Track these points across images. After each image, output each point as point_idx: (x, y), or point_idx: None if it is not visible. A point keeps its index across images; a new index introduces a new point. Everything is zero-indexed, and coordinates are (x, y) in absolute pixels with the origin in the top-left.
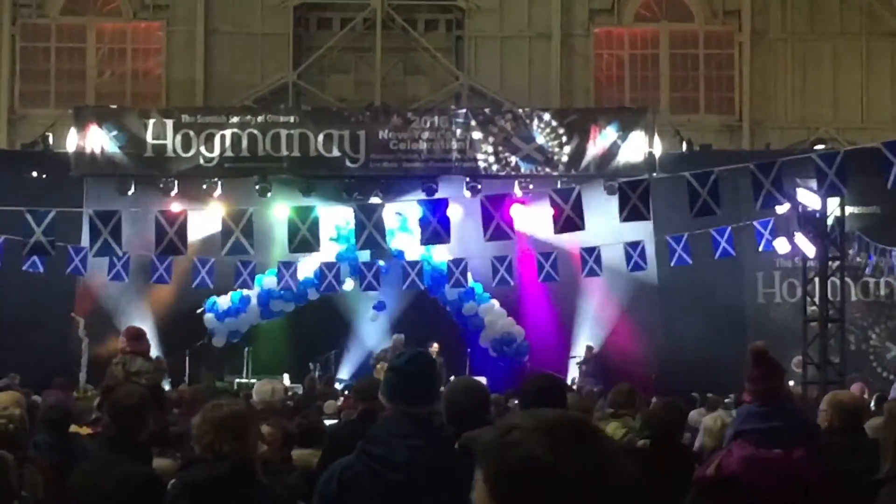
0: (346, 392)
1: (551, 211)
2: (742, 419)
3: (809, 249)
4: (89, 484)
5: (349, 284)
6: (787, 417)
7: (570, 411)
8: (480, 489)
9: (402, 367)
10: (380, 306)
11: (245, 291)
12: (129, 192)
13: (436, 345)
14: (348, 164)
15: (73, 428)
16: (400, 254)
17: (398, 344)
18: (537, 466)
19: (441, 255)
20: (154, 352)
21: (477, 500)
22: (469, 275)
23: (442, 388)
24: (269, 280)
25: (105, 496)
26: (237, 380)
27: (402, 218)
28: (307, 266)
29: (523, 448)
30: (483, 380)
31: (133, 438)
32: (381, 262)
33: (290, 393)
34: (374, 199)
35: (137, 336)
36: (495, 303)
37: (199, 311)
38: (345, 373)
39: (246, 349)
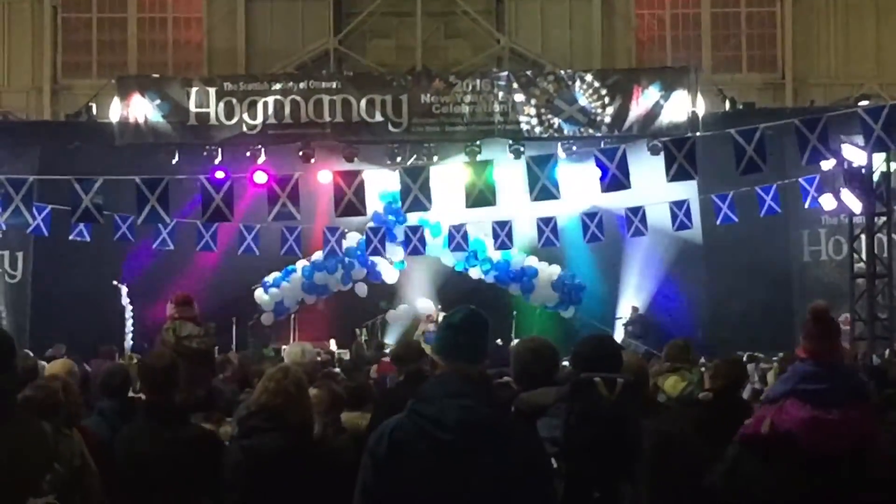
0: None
1: (596, 171)
2: (798, 378)
3: (855, 205)
4: (132, 451)
5: (395, 253)
6: (842, 378)
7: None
8: None
9: (457, 324)
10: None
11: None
12: (174, 161)
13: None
14: (391, 128)
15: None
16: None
17: (429, 310)
18: None
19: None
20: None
21: None
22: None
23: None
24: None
25: (154, 460)
26: (284, 347)
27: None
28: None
29: None
30: None
31: (166, 401)
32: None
33: (336, 358)
34: (419, 163)
35: (186, 302)
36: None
37: (253, 287)
38: (391, 338)
39: (292, 316)
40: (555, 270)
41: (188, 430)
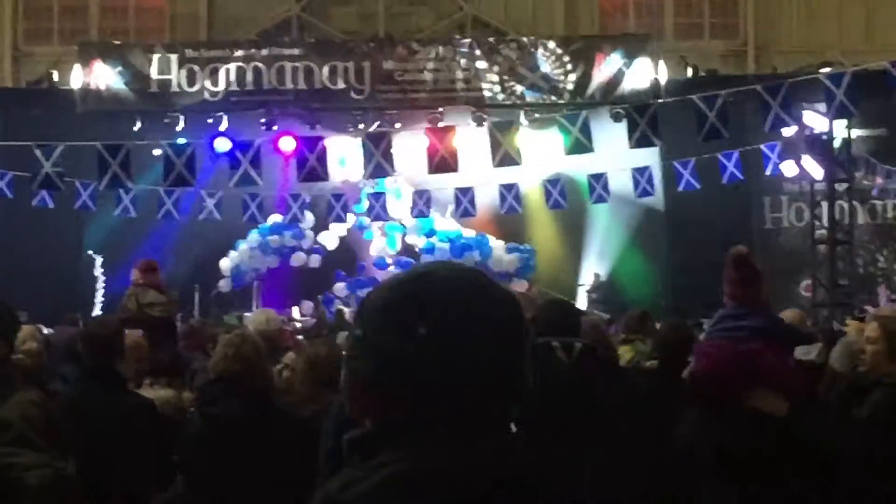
0: None
1: (559, 137)
2: (716, 320)
3: (817, 172)
4: (73, 416)
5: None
6: (761, 320)
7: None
8: None
9: None
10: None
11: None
12: (136, 128)
13: None
14: (354, 95)
15: None
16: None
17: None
18: None
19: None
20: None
21: None
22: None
23: None
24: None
25: (94, 426)
26: (246, 314)
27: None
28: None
29: None
30: None
31: (108, 368)
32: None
33: (299, 326)
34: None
35: (150, 269)
36: None
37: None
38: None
39: (255, 283)
40: (499, 243)
41: (128, 399)
